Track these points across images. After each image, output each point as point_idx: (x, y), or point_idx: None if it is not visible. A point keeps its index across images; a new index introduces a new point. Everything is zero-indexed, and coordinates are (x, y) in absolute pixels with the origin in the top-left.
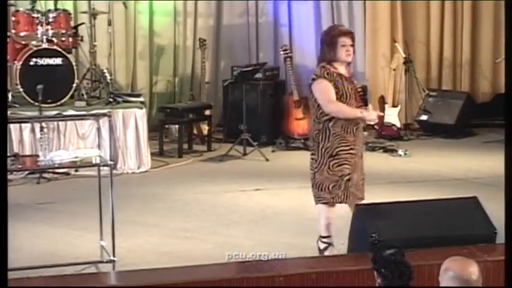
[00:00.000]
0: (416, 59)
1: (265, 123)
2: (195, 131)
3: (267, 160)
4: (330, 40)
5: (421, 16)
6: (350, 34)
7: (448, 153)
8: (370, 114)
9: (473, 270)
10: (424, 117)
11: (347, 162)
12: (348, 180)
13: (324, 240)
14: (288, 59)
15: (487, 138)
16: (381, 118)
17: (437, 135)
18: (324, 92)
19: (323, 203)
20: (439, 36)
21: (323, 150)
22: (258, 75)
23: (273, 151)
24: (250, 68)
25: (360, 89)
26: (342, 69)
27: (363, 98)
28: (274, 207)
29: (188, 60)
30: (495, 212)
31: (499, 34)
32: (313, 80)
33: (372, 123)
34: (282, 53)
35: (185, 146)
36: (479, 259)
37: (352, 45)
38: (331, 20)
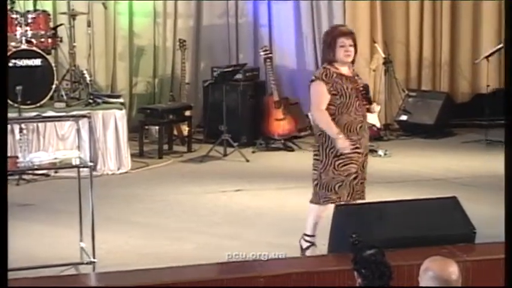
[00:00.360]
0: (396, 59)
1: (245, 124)
2: (175, 132)
3: (248, 161)
4: (329, 41)
5: (401, 16)
6: (350, 35)
7: (427, 153)
8: (344, 143)
9: (453, 270)
10: (403, 118)
11: (353, 162)
12: (354, 178)
13: (308, 238)
14: (268, 60)
15: (466, 138)
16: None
17: (417, 135)
18: (316, 96)
19: (329, 203)
20: (419, 36)
21: (327, 150)
22: (238, 76)
23: (253, 152)
24: (230, 69)
25: (361, 88)
26: (344, 69)
27: (366, 97)
28: (255, 207)
29: (168, 61)
30: (474, 211)
31: (478, 34)
32: (312, 81)
33: (346, 151)
34: (262, 53)
35: (165, 147)
36: (458, 259)
37: (353, 46)
38: (311, 21)
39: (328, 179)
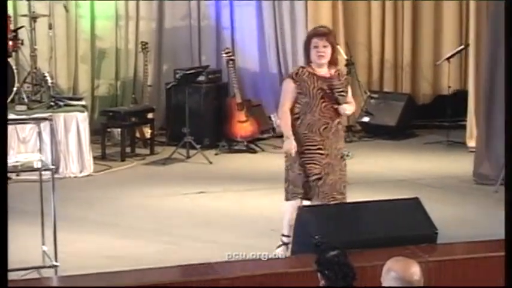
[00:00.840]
0: (358, 61)
1: (208, 126)
2: (137, 135)
3: (211, 163)
4: (305, 41)
5: (362, 18)
6: (324, 35)
7: (390, 155)
8: (287, 146)
9: (415, 271)
10: (366, 119)
11: (316, 162)
12: (318, 179)
13: (283, 238)
14: (231, 62)
15: (428, 139)
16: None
17: (379, 136)
18: (282, 94)
19: (296, 198)
20: (380, 38)
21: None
22: (201, 78)
23: (216, 154)
24: (192, 71)
25: (328, 90)
26: (321, 70)
27: (332, 98)
28: (218, 210)
29: (130, 63)
30: (436, 212)
31: (439, 36)
32: (285, 78)
33: (287, 152)
34: (224, 55)
35: (128, 149)
36: (421, 259)
37: (327, 46)
38: (273, 22)
39: (295, 175)
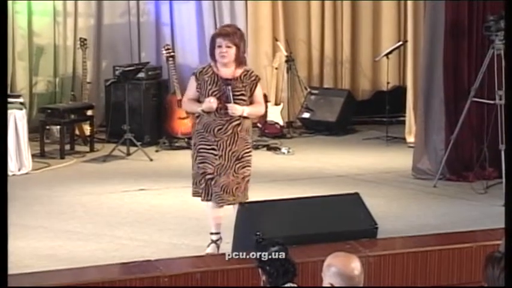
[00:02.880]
0: (298, 57)
1: (148, 123)
2: (77, 132)
3: (151, 160)
4: (210, 39)
5: (302, 14)
6: (227, 36)
7: (330, 151)
8: (207, 103)
9: (355, 266)
10: (306, 115)
11: (209, 162)
12: (210, 179)
13: (212, 236)
14: (171, 59)
15: (367, 135)
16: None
17: (320, 132)
18: (187, 90)
19: (197, 196)
20: (320, 34)
21: (193, 145)
22: (141, 75)
23: (156, 151)
24: (132, 68)
25: (227, 92)
26: (226, 70)
27: (229, 99)
28: (158, 207)
29: (69, 60)
30: (376, 207)
31: (378, 32)
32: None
33: (209, 110)
34: (164, 52)
35: (67, 147)
36: (361, 254)
37: (231, 47)
38: (212, 19)
39: (194, 173)
